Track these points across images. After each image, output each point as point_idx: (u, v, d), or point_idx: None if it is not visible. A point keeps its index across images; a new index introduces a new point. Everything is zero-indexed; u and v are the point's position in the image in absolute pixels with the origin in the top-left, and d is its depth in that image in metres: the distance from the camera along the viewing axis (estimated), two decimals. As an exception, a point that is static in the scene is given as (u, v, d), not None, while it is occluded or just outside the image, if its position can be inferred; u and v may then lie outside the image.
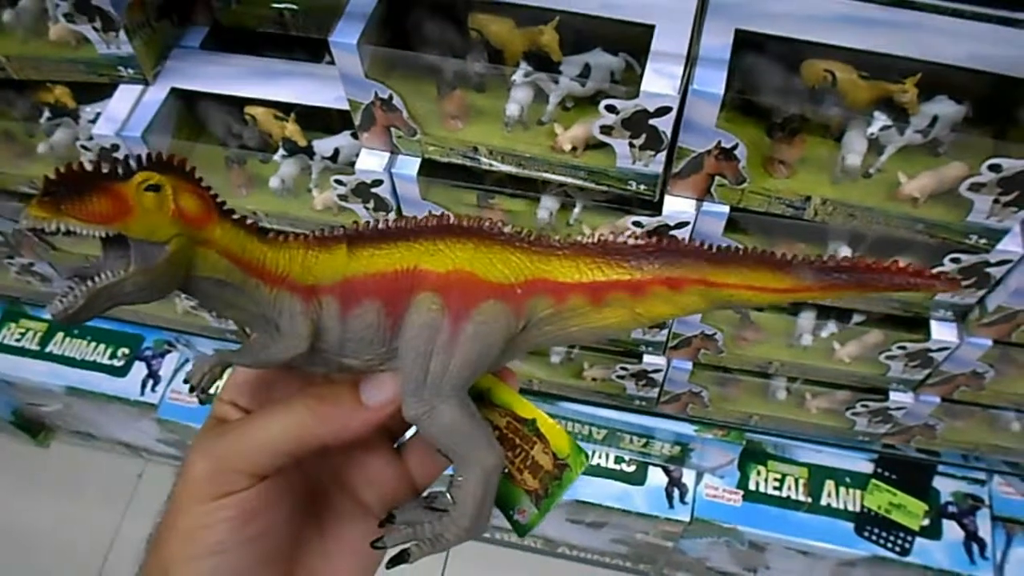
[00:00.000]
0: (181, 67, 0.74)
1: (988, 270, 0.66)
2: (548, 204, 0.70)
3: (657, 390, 0.95)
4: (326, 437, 0.34)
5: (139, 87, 0.73)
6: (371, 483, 0.39)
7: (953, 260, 0.66)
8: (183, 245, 0.29)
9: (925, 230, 0.63)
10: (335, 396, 0.34)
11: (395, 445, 0.40)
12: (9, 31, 0.74)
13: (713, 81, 0.55)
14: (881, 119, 0.59)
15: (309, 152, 0.74)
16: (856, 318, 0.80)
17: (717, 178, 0.62)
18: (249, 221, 0.32)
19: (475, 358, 0.33)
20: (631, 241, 0.34)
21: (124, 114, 0.72)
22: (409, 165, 0.68)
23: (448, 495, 0.35)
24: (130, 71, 0.72)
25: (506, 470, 0.36)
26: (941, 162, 0.61)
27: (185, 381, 0.36)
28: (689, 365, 0.89)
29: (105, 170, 0.28)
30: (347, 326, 0.33)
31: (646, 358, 0.89)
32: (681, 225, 0.65)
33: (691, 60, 0.57)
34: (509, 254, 0.34)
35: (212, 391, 0.36)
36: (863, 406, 0.90)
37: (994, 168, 0.57)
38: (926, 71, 0.58)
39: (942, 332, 0.75)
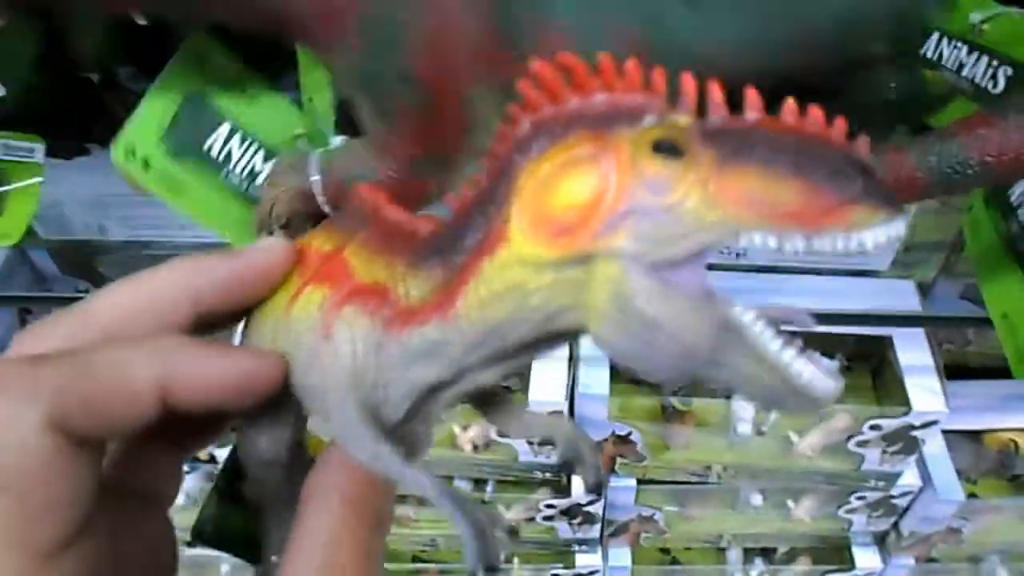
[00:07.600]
0: None
1: (893, 502, 0.68)
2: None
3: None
4: None
5: None
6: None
7: (859, 498, 0.67)
8: None
9: (825, 481, 0.65)
10: None
11: None
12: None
13: (598, 382, 0.57)
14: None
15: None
16: (781, 549, 0.80)
17: (619, 459, 0.63)
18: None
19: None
20: None
21: None
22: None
23: None
24: None
25: None
26: (827, 413, 0.64)
27: None
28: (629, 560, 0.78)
29: None
30: None
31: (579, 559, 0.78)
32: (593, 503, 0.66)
33: (574, 360, 0.59)
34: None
35: None
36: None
37: (875, 428, 0.60)
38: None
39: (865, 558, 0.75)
